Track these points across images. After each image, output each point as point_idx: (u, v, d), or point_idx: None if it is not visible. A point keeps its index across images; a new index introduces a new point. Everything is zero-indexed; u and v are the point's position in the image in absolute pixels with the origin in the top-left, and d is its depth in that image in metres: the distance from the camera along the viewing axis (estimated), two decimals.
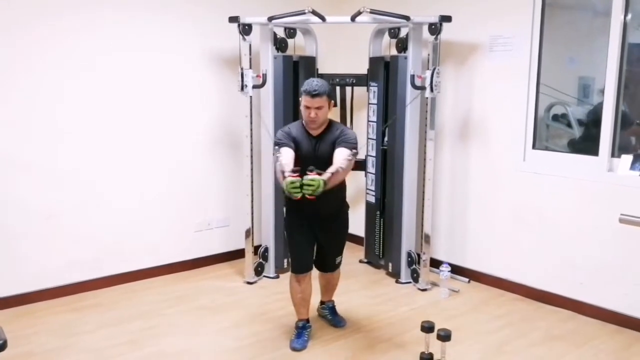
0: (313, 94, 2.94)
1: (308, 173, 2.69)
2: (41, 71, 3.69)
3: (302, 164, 2.95)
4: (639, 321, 3.45)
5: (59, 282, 3.91)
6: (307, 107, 2.98)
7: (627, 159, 3.47)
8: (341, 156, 2.96)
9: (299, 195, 2.68)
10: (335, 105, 3.88)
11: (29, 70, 3.64)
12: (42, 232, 3.81)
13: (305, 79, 4.28)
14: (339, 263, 3.38)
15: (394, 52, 4.28)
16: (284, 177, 2.75)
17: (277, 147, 3.07)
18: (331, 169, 2.84)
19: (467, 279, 4.29)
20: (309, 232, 3.20)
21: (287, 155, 2.97)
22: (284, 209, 3.31)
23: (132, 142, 4.13)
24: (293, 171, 2.76)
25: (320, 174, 2.73)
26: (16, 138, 3.66)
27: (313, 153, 3.08)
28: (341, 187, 3.25)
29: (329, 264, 3.36)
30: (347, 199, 3.37)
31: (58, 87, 3.76)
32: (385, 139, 4.37)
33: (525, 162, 3.95)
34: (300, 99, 3.06)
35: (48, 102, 3.74)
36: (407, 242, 4.22)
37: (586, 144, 3.83)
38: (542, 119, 4.00)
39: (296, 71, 4.31)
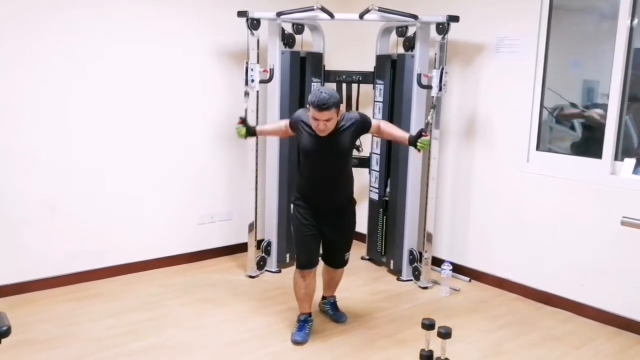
0: (322, 108, 2.87)
1: (423, 134, 3.21)
2: (49, 63, 3.70)
3: (305, 155, 3.16)
4: (638, 324, 3.47)
5: (61, 272, 3.93)
6: (316, 119, 2.93)
7: (630, 162, 3.49)
8: (389, 126, 3.39)
9: (243, 137, 3.52)
10: (341, 102, 3.91)
11: (36, 62, 3.65)
12: (46, 222, 3.83)
13: (312, 75, 4.36)
14: (347, 259, 3.40)
15: (401, 50, 4.30)
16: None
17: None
18: (405, 134, 3.34)
19: (468, 278, 4.31)
20: (315, 228, 3.20)
21: (277, 124, 3.61)
22: (291, 205, 3.31)
23: (137, 135, 4.14)
24: (241, 119, 3.54)
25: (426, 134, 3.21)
26: (22, 128, 3.67)
27: (318, 145, 3.06)
28: (348, 182, 3.27)
29: (338, 260, 3.37)
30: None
31: (65, 79, 3.77)
32: (388, 189, 4.46)
33: (529, 163, 3.97)
34: (307, 106, 3.01)
35: (55, 93, 3.75)
36: (409, 240, 4.24)
37: (589, 146, 3.86)
38: (546, 121, 4.02)
39: (303, 67, 4.33)
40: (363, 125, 3.15)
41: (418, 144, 3.18)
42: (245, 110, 3.77)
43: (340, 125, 3.07)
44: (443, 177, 4.39)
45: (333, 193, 3.19)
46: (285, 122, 3.33)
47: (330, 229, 3.23)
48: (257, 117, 4.13)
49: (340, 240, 3.32)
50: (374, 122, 3.26)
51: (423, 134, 3.20)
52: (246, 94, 3.87)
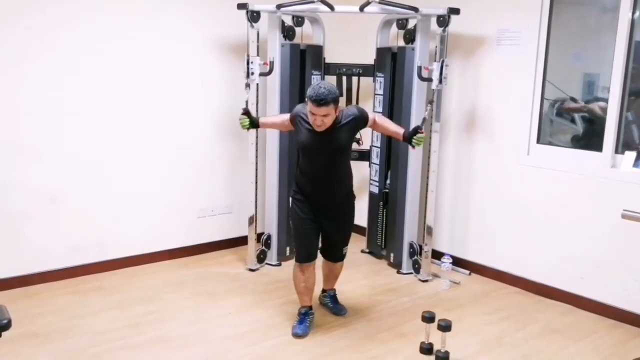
0: (320, 103, 2.84)
1: (419, 131, 3.19)
2: (46, 56, 3.69)
3: (303, 150, 3.16)
4: (637, 316, 3.48)
5: (61, 265, 3.93)
6: (313, 114, 2.92)
7: (631, 155, 3.48)
8: (384, 120, 3.45)
9: (246, 129, 3.45)
10: (341, 95, 3.91)
11: (33, 55, 3.64)
12: (46, 215, 3.83)
13: (312, 68, 4.35)
14: (345, 253, 3.40)
15: (401, 43, 4.28)
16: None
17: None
18: (400, 129, 3.26)
19: (468, 271, 4.31)
20: (314, 221, 3.20)
21: (279, 117, 3.55)
22: (290, 198, 3.32)
23: (137, 128, 4.13)
24: (244, 110, 3.45)
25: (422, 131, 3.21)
26: (21, 122, 3.66)
27: (316, 140, 3.04)
28: (348, 176, 3.27)
29: (336, 254, 3.37)
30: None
31: (63, 72, 3.76)
32: (388, 182, 4.45)
33: (529, 156, 3.96)
34: (306, 99, 2.97)
35: (53, 86, 3.73)
36: (410, 233, 4.24)
37: (589, 140, 3.85)
38: (547, 114, 4.01)
39: (303, 60, 4.31)
40: (361, 120, 3.13)
41: (413, 141, 3.17)
42: (247, 102, 3.74)
43: (339, 121, 3.05)
44: (443, 170, 4.38)
45: (332, 188, 3.18)
46: (287, 116, 3.26)
47: (329, 223, 3.23)
48: (257, 110, 4.12)
49: (339, 235, 3.32)
50: (370, 115, 3.22)
51: (419, 130, 3.18)
52: (247, 85, 3.87)
